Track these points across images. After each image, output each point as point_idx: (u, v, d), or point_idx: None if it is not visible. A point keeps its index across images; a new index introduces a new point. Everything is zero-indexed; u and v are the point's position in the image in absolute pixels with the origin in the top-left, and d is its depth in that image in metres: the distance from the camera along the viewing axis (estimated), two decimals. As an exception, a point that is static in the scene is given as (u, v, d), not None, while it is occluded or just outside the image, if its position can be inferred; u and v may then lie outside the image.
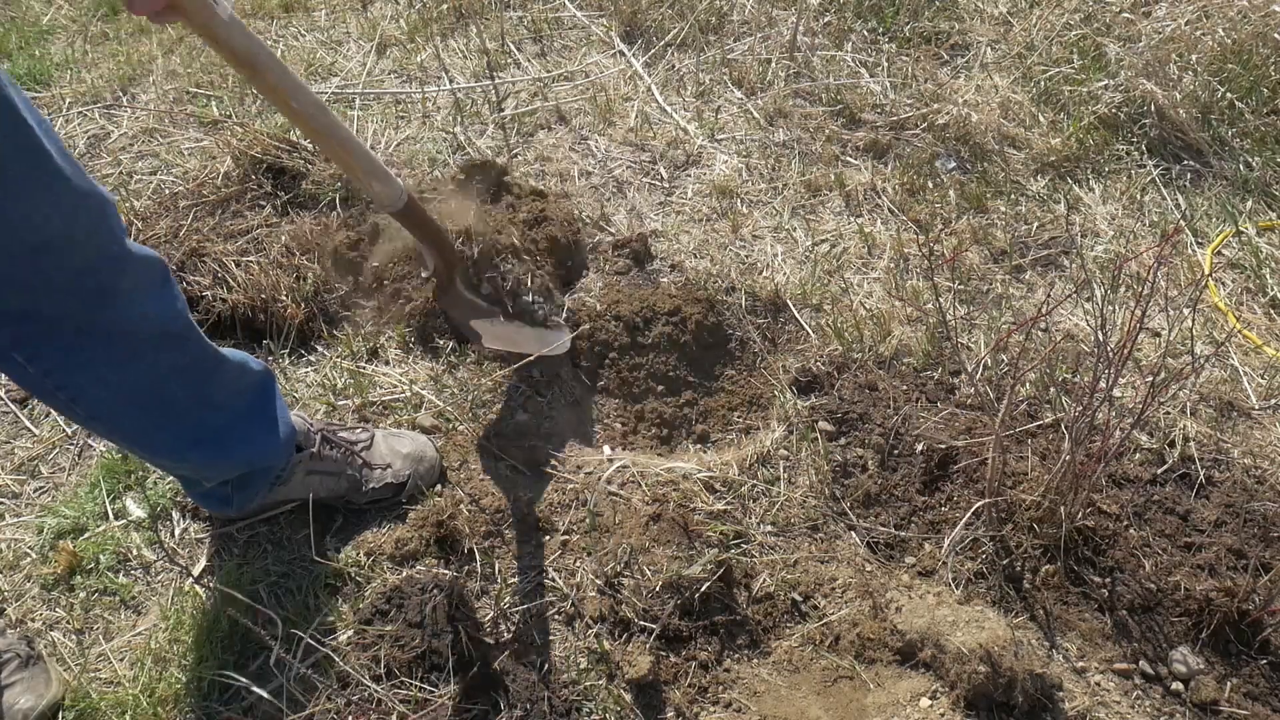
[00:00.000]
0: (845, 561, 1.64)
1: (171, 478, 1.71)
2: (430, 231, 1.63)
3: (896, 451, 1.79)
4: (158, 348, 1.33)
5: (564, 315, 1.96)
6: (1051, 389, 1.88)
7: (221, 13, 1.19)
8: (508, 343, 1.81)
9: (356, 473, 1.67)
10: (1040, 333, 2.05)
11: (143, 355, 1.31)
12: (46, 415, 1.90)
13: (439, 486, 1.70)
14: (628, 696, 1.46)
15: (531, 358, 1.78)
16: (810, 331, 2.02)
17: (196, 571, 1.62)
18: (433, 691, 1.44)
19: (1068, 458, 1.55)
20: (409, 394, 1.85)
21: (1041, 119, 2.52)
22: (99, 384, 1.30)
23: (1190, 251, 2.24)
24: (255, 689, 1.46)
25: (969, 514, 1.64)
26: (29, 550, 1.67)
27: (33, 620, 1.59)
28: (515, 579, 1.59)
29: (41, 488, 1.78)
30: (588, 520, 1.64)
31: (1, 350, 1.24)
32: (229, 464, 1.51)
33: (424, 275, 1.81)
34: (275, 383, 1.57)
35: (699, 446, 1.87)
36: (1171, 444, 1.82)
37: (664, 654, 1.51)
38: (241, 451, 1.50)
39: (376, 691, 1.42)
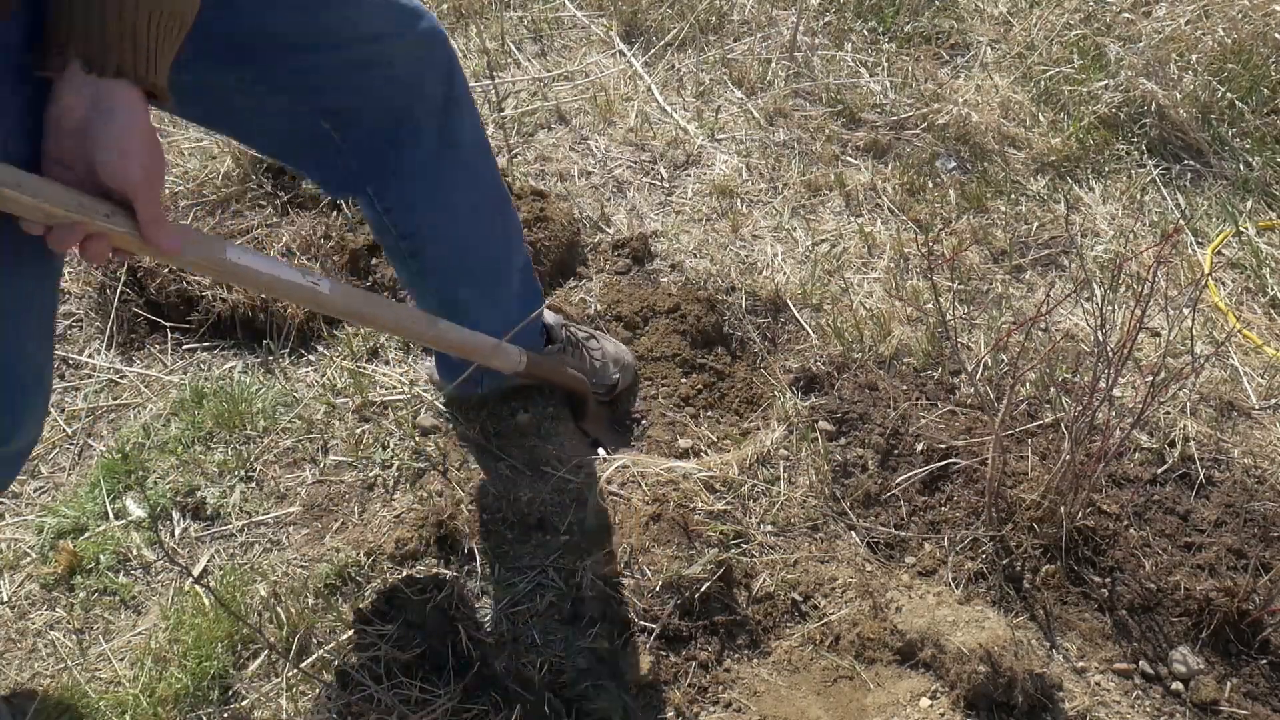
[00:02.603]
0: (845, 561, 1.64)
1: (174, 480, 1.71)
2: (554, 374, 1.71)
3: (896, 451, 1.79)
4: (486, 179, 1.45)
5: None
6: (1051, 389, 1.88)
7: (323, 287, 1.20)
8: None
9: (589, 373, 1.77)
10: (1040, 333, 2.05)
11: (475, 187, 1.41)
12: (46, 415, 1.90)
13: (439, 486, 1.70)
14: (627, 697, 1.46)
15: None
16: (810, 331, 2.02)
17: (196, 571, 1.62)
18: (433, 692, 1.44)
19: (1068, 458, 1.55)
20: (409, 394, 1.85)
21: (1041, 119, 2.52)
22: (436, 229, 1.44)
23: (1190, 251, 2.24)
24: (255, 689, 1.46)
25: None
26: (29, 550, 1.67)
27: (33, 620, 1.59)
28: (515, 579, 1.59)
29: (41, 488, 1.78)
30: (588, 520, 1.64)
31: (367, 198, 1.38)
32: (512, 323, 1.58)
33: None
34: None
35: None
36: (1171, 444, 1.82)
37: (664, 654, 1.51)
38: (522, 309, 1.57)
39: (376, 692, 1.42)
